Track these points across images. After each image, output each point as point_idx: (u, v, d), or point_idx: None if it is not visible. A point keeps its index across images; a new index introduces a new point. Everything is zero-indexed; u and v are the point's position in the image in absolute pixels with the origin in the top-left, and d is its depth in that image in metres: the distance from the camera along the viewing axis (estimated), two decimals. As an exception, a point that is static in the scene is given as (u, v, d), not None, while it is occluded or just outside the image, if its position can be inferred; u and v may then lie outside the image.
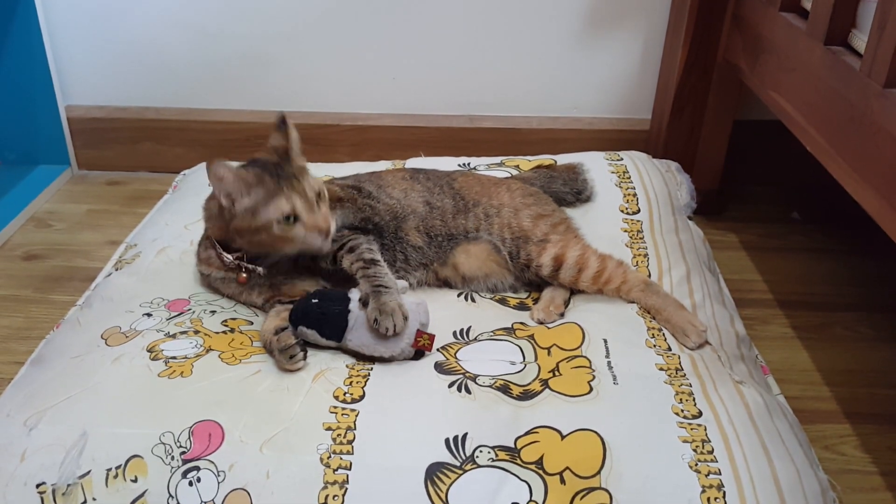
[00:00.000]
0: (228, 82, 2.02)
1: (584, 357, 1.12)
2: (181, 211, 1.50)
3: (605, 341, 1.15)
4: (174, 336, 1.15)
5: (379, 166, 1.62)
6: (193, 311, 1.22)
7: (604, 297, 1.26)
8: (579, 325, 1.19)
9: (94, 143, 2.10)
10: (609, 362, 1.11)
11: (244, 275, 1.21)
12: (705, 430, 0.99)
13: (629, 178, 1.54)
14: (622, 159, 1.60)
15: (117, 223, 1.87)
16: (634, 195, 1.50)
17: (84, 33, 1.99)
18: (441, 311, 1.21)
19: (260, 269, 1.20)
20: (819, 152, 1.29)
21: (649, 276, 1.33)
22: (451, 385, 1.06)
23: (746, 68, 1.62)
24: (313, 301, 1.12)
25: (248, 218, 1.12)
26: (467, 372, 1.09)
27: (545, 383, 1.07)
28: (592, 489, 0.92)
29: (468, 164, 1.65)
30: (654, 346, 1.15)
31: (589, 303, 1.26)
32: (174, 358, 1.10)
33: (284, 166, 1.15)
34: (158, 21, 1.97)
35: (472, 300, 1.30)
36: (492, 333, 1.20)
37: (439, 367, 1.09)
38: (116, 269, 1.39)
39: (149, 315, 1.22)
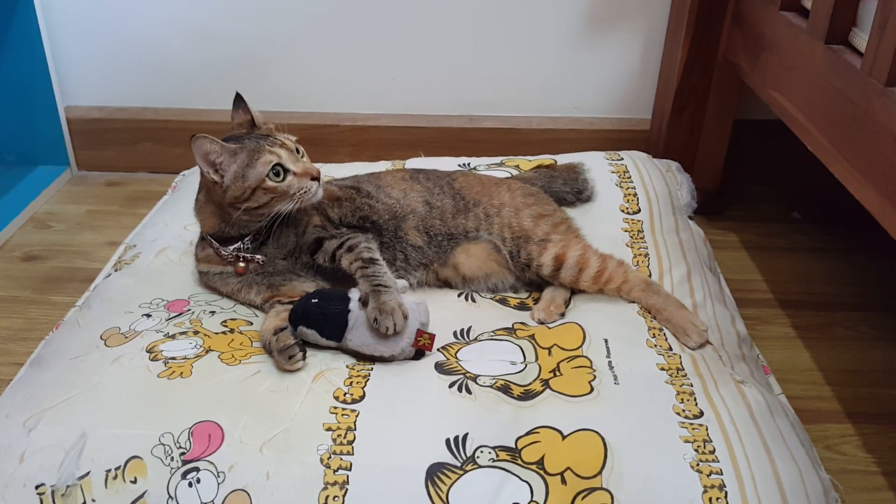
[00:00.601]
0: (228, 83, 1.99)
1: (585, 357, 1.12)
2: (181, 211, 1.49)
3: (606, 341, 1.15)
4: (174, 337, 1.15)
5: (379, 166, 1.62)
6: (193, 312, 1.22)
7: (604, 297, 1.26)
8: (580, 325, 1.19)
9: (94, 143, 2.10)
10: (610, 362, 1.10)
11: (241, 264, 1.21)
12: (707, 429, 0.98)
13: (629, 177, 1.54)
14: (622, 159, 1.60)
15: (117, 224, 1.87)
16: (635, 195, 1.50)
17: (84, 33, 1.99)
18: (441, 312, 1.21)
19: (259, 257, 1.21)
20: (820, 151, 1.29)
21: (650, 275, 1.32)
22: (451, 385, 1.05)
23: (747, 67, 1.62)
24: (313, 301, 1.12)
25: (240, 183, 1.15)
26: (468, 372, 1.09)
27: (546, 383, 1.07)
28: (594, 489, 0.92)
29: (468, 164, 1.64)
30: (655, 345, 1.14)
31: (589, 303, 1.26)
32: (174, 359, 1.09)
33: (256, 132, 1.23)
34: (158, 21, 1.97)
35: (473, 300, 1.30)
36: (492, 333, 1.20)
37: (440, 368, 1.09)
38: (116, 270, 1.39)
39: (148, 316, 1.21)
